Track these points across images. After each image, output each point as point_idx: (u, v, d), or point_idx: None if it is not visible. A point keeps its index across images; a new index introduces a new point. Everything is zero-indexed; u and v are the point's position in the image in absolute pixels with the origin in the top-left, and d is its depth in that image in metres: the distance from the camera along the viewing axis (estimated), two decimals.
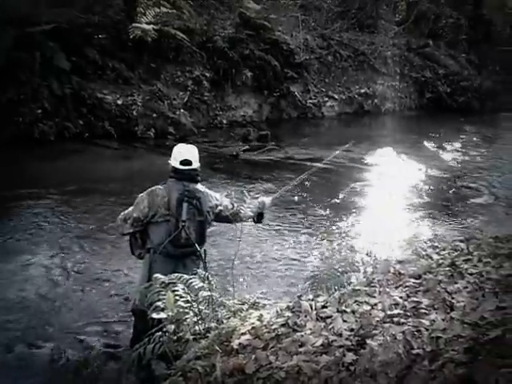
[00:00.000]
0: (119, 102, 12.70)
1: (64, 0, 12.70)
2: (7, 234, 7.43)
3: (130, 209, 4.58)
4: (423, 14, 20.38)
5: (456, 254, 3.71)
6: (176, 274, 4.19)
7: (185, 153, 4.67)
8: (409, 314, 2.89)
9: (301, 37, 16.52)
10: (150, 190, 4.56)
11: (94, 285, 6.35)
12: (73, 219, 8.13)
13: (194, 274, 4.08)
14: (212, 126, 14.28)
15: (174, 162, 4.59)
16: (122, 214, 4.62)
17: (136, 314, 4.51)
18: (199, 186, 4.64)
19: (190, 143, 5.06)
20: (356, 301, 3.18)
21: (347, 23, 18.93)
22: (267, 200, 5.07)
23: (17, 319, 5.59)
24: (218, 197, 4.79)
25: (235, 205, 4.86)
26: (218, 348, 3.08)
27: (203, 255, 4.61)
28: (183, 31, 13.42)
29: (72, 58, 12.10)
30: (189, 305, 3.91)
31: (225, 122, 14.45)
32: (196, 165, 4.65)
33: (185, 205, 4.45)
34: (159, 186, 4.55)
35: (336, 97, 17.74)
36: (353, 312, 3.06)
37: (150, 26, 12.64)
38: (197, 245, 4.48)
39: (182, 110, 13.40)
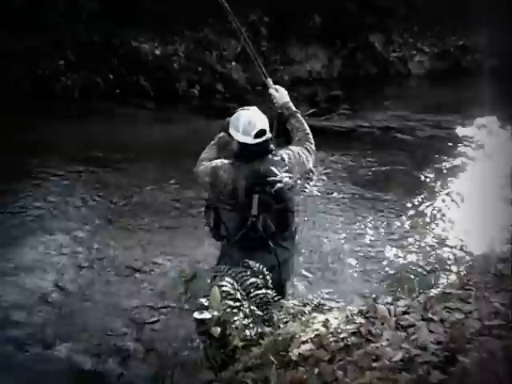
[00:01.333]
0: (157, 51, 12.89)
1: None
2: (25, 212, 7.64)
3: (203, 167, 4.42)
4: None
5: None
6: (223, 266, 4.23)
7: (256, 121, 4.24)
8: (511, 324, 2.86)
9: None
10: (214, 164, 4.31)
11: (122, 276, 6.47)
12: (101, 196, 8.30)
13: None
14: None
15: (241, 135, 4.22)
16: (200, 162, 4.49)
17: None
18: (273, 160, 4.26)
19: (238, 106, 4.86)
20: (446, 307, 3.15)
21: None
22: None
23: (34, 314, 5.77)
24: (294, 157, 4.37)
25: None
26: (272, 358, 3.11)
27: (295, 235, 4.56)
28: None
29: None
30: (238, 304, 3.95)
31: (286, 78, 14.36)
32: (269, 134, 4.29)
33: (255, 197, 4.23)
34: (224, 167, 4.24)
35: (426, 49, 17.42)
36: (441, 321, 3.02)
37: None
38: (279, 232, 4.36)
39: (233, 63, 13.44)
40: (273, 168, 4.14)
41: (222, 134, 4.55)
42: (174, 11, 13.26)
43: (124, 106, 12.07)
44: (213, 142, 4.61)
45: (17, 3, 11.22)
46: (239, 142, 4.22)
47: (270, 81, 4.81)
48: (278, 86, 4.77)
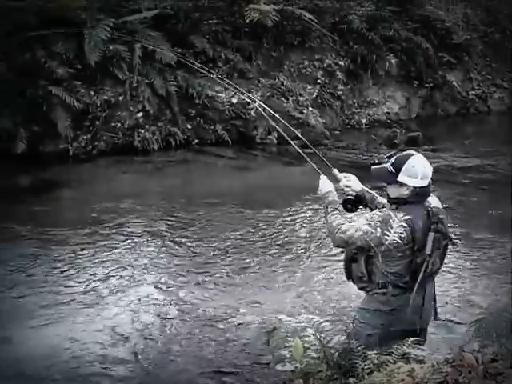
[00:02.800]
0: (234, 100, 12.92)
1: None
2: (104, 266, 7.71)
3: (353, 230, 4.32)
4: None
5: None
6: (306, 316, 4.19)
7: (427, 162, 4.35)
8: None
9: (459, 11, 16.14)
10: (382, 217, 4.30)
11: (204, 326, 6.43)
12: (180, 245, 8.29)
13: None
14: (348, 127, 14.22)
15: (420, 180, 4.28)
16: (343, 229, 4.37)
17: None
18: (435, 200, 4.48)
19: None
20: None
21: None
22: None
23: (114, 363, 5.76)
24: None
25: None
26: None
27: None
28: (310, 11, 13.47)
29: (177, 49, 12.43)
30: (320, 354, 3.86)
31: (364, 121, 14.34)
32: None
33: (431, 235, 4.29)
34: (394, 215, 4.26)
35: (506, 86, 17.15)
36: None
37: (270, 7, 12.78)
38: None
39: (310, 109, 13.44)
40: (436, 203, 4.38)
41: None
42: (248, 59, 13.40)
43: (202, 154, 12.18)
44: (331, 214, 4.54)
45: (95, 58, 11.44)
46: (414, 187, 4.28)
47: (335, 171, 4.92)
48: (346, 174, 4.87)
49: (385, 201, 4.60)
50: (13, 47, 11.26)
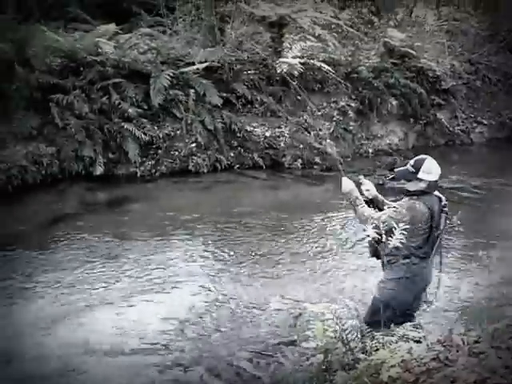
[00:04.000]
0: (267, 134, 13.01)
1: (215, 41, 13.31)
2: (166, 264, 7.83)
3: (385, 216, 4.75)
4: None
5: None
6: (326, 304, 4.34)
7: (437, 165, 4.82)
8: None
9: (447, 63, 16.09)
10: (408, 205, 4.77)
11: (241, 311, 6.52)
12: (225, 247, 8.41)
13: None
14: (357, 155, 14.20)
15: (434, 176, 4.75)
16: (375, 216, 4.82)
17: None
18: (439, 195, 4.92)
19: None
20: (511, 337, 3.05)
21: (496, 46, 18.16)
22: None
23: (172, 343, 5.87)
24: None
25: None
26: (367, 380, 3.08)
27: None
28: (328, 63, 13.50)
29: (223, 93, 12.60)
30: (337, 335, 3.93)
31: (370, 150, 14.32)
32: None
33: (443, 215, 4.82)
34: (417, 204, 4.74)
35: (485, 122, 17.00)
36: (508, 348, 2.93)
37: (296, 60, 12.82)
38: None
39: (327, 140, 13.45)
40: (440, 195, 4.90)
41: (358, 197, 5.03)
42: (278, 101, 13.50)
43: (242, 176, 12.28)
44: (359, 207, 5.02)
45: (158, 100, 11.62)
46: (429, 181, 4.74)
47: (361, 177, 5.32)
48: (367, 181, 5.29)
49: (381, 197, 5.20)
50: (94, 92, 11.50)
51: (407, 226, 4.40)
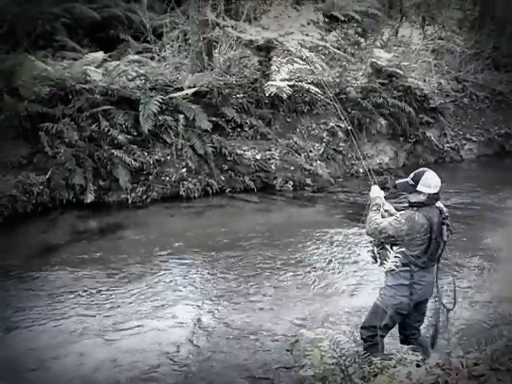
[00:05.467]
0: (258, 156, 12.96)
1: (203, 65, 13.35)
2: (158, 292, 7.77)
3: (386, 223, 4.94)
4: None
5: None
6: (322, 329, 4.32)
7: (436, 177, 4.93)
8: None
9: (434, 81, 16.19)
10: (408, 215, 4.88)
11: (237, 338, 6.46)
12: (216, 274, 8.36)
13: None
14: (348, 176, 14.22)
15: (433, 189, 4.85)
16: (377, 222, 5.00)
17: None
18: (440, 203, 5.01)
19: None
20: (510, 358, 3.00)
21: (482, 64, 18.35)
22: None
23: (164, 368, 5.80)
24: None
25: None
26: None
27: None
28: (316, 85, 13.53)
29: (212, 118, 12.59)
30: (335, 361, 3.88)
31: (361, 170, 14.31)
32: None
33: (444, 227, 4.87)
34: (417, 214, 4.84)
35: (474, 139, 17.11)
36: (508, 370, 2.88)
37: (285, 83, 12.87)
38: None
39: (318, 162, 13.49)
40: (442, 206, 4.99)
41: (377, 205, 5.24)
42: (268, 124, 13.51)
43: (233, 200, 12.26)
44: (373, 212, 5.20)
45: (148, 126, 11.62)
46: (428, 193, 4.85)
47: (375, 186, 5.51)
48: (376, 187, 5.48)
49: (393, 209, 5.40)
50: (83, 120, 11.47)
51: (402, 241, 4.83)
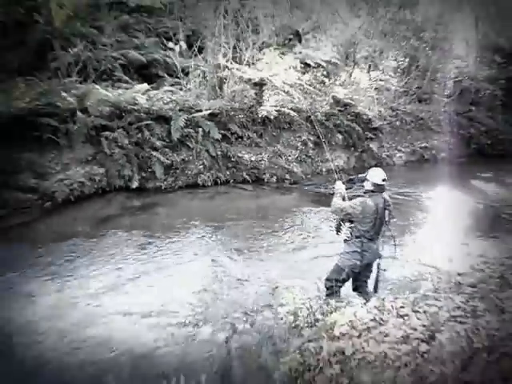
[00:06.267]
0: (252, 158, 12.88)
1: (216, 95, 13.21)
2: (181, 249, 7.71)
3: (346, 205, 4.90)
4: (466, 88, 19.28)
5: (503, 268, 3.37)
6: (295, 280, 4.28)
7: (382, 173, 4.91)
8: (468, 315, 2.64)
9: (376, 110, 16.10)
10: (362, 200, 4.86)
11: (235, 284, 6.41)
12: (221, 239, 8.30)
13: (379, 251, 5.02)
14: (315, 173, 14.13)
15: (375, 179, 4.86)
16: (340, 204, 4.97)
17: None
18: (386, 195, 4.97)
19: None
20: (426, 303, 2.97)
21: (409, 98, 18.27)
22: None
23: (185, 304, 5.74)
24: None
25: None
26: (324, 334, 2.97)
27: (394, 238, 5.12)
28: (294, 110, 13.51)
29: (221, 131, 12.46)
30: (303, 302, 3.83)
31: (324, 170, 14.24)
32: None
33: (386, 212, 4.90)
34: (367, 199, 4.84)
35: (403, 150, 17.07)
36: (424, 312, 2.84)
37: (272, 108, 12.84)
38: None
39: (294, 163, 13.44)
40: (386, 196, 4.97)
41: (340, 193, 5.18)
42: (260, 136, 13.41)
43: (235, 188, 12.16)
44: (337, 197, 5.12)
45: (177, 136, 11.47)
46: (377, 184, 4.84)
47: (339, 181, 5.40)
48: (339, 182, 5.40)
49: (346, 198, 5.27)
50: (132, 130, 11.34)
51: (356, 219, 4.83)
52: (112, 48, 13.63)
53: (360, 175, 5.18)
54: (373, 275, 5.20)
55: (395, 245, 5.15)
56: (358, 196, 5.06)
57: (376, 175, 4.86)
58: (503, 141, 18.66)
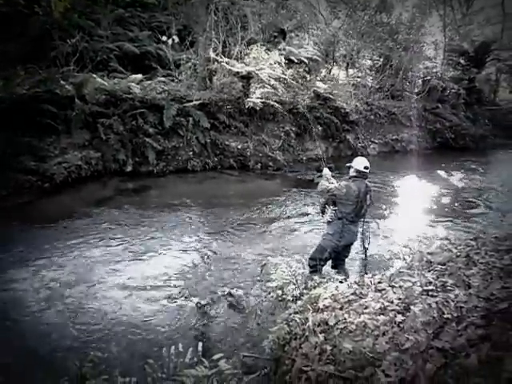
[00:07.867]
0: (239, 146, 12.78)
1: (206, 86, 13.05)
2: (172, 229, 7.66)
3: (332, 186, 4.90)
4: (434, 87, 19.45)
5: (469, 248, 3.44)
6: (280, 257, 4.34)
7: (366, 161, 4.93)
8: (439, 289, 2.69)
9: (353, 104, 16.08)
10: (346, 184, 4.87)
11: (223, 262, 6.40)
12: (210, 220, 8.27)
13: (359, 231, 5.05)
14: (296, 161, 14.11)
15: (359, 166, 4.87)
16: (326, 185, 4.96)
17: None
18: (367, 182, 4.99)
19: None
20: (401, 279, 3.01)
21: (383, 94, 18.33)
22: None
23: (176, 279, 5.72)
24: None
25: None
26: (309, 307, 3.00)
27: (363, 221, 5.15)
28: (278, 102, 13.41)
29: (210, 120, 12.31)
30: (289, 277, 3.85)
31: (304, 158, 14.24)
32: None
33: (368, 196, 4.90)
34: (351, 183, 4.85)
35: (376, 141, 17.14)
36: (400, 287, 2.88)
37: (258, 100, 12.72)
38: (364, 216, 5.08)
39: (277, 151, 13.39)
40: (368, 183, 5.00)
41: (324, 180, 5.10)
42: (246, 126, 13.32)
43: (222, 174, 12.08)
44: (324, 180, 5.09)
45: (169, 123, 11.31)
46: (359, 170, 4.84)
47: (326, 169, 5.35)
48: (326, 168, 5.36)
49: (336, 183, 5.18)
50: (126, 118, 11.15)
51: (340, 201, 4.82)
52: (108, 40, 13.32)
53: (349, 164, 5.24)
54: (358, 255, 5.30)
55: (378, 227, 5.25)
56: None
57: (360, 163, 4.91)
58: (465, 135, 18.99)
